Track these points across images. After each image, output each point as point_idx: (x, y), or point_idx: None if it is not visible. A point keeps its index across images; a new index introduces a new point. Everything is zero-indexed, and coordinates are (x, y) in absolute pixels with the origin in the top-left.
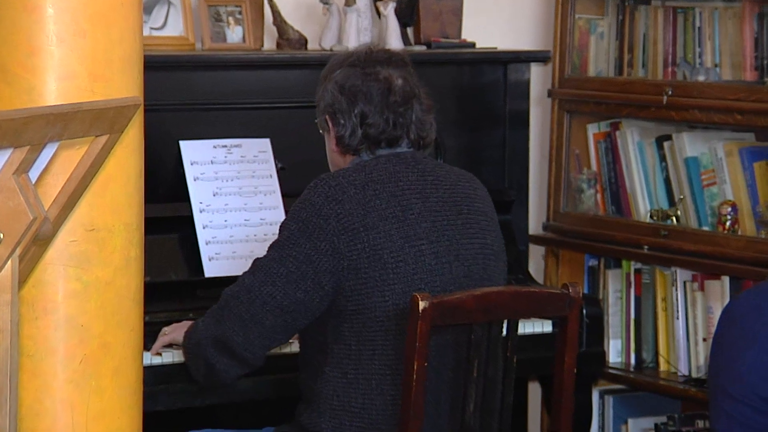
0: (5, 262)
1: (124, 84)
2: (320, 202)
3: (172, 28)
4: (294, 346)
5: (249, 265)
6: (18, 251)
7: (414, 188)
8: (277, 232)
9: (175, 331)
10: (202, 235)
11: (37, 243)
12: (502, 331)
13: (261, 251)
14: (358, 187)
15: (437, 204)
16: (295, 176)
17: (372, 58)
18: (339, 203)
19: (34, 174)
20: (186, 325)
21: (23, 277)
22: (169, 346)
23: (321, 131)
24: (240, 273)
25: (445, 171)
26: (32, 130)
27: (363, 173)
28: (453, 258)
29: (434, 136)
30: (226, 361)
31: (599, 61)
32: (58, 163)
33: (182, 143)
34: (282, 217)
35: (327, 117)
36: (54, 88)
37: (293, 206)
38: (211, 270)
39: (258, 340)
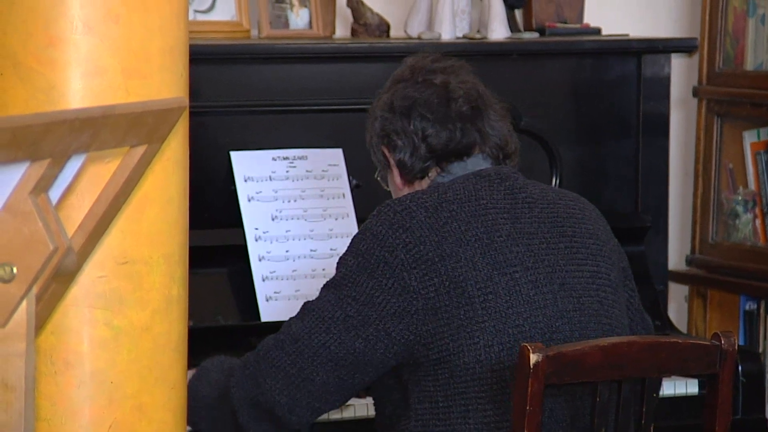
0: (19, 303)
1: (166, 82)
2: (383, 231)
3: (221, 11)
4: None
5: None
6: (35, 289)
7: (500, 207)
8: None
9: None
10: (257, 270)
11: (58, 279)
12: (635, 393)
13: None
14: (430, 210)
15: (531, 225)
16: (374, 196)
17: (421, 66)
18: (407, 231)
19: (55, 194)
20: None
21: (41, 321)
22: None
23: (385, 186)
24: None
25: (540, 189)
26: (53, 139)
27: (436, 194)
28: (557, 287)
29: (517, 145)
30: (265, 427)
31: (759, 51)
32: (85, 181)
33: (233, 154)
34: None
35: (383, 148)
36: (79, 86)
37: (353, 238)
38: (268, 313)
39: (306, 401)
